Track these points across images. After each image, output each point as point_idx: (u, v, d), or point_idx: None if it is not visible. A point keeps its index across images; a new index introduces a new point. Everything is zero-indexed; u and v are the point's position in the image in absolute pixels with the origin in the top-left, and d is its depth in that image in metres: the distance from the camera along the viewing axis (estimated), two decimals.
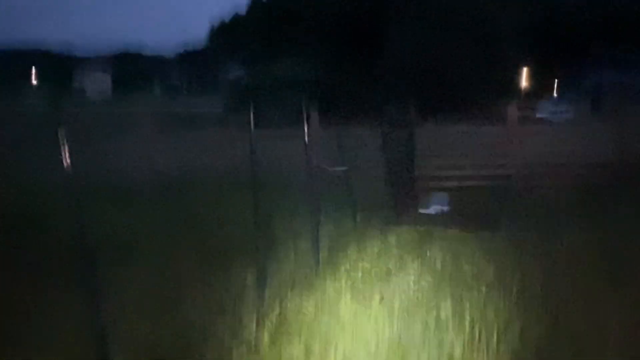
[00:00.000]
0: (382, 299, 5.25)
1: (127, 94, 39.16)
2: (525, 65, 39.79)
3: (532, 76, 41.01)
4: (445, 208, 9.99)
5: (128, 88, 43.33)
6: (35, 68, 45.21)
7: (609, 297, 5.19)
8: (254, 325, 4.65)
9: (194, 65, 53.55)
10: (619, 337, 4.40)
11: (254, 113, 6.15)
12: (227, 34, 44.07)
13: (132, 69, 52.18)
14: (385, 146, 10.85)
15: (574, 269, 6.05)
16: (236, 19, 45.01)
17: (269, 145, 12.54)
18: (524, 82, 39.74)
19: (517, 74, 40.10)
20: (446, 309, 5.06)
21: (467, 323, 4.77)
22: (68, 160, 3.34)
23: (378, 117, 11.63)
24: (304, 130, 11.89)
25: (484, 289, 5.59)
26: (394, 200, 9.94)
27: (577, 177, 10.51)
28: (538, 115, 32.39)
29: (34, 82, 44.51)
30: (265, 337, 4.46)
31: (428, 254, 6.89)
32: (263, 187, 6.02)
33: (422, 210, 9.90)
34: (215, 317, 4.73)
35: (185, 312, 4.82)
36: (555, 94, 41.36)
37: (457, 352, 4.31)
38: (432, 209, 9.98)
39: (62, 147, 3.33)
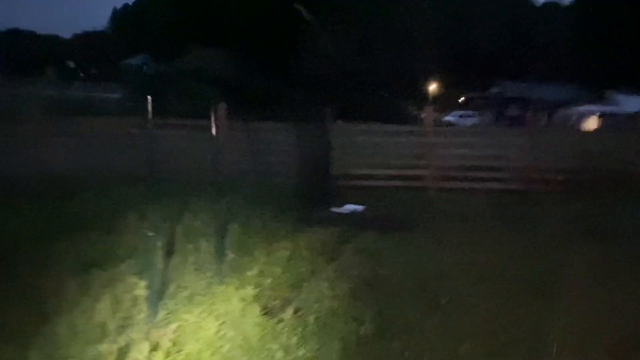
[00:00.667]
0: (295, 309, 4.65)
1: (16, 75, 36.09)
2: (437, 74, 41.08)
3: (443, 84, 42.35)
4: (360, 208, 9.56)
5: (18, 68, 39.96)
6: None
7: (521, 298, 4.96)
8: (147, 346, 3.90)
9: (94, 49, 50.59)
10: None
11: (156, 103, 5.33)
12: (132, 17, 42.03)
13: (23, 48, 48.20)
14: (299, 143, 10.33)
15: (491, 272, 5.78)
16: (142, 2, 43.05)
17: (171, 137, 11.72)
18: (435, 89, 40.86)
19: (429, 81, 41.31)
20: (366, 320, 4.55)
21: (388, 334, 4.30)
22: None
23: (292, 113, 11.11)
24: (210, 123, 11.24)
25: (404, 295, 5.15)
26: (306, 199, 9.39)
27: (489, 180, 10.47)
28: (445, 119, 33.45)
29: None
30: None
31: (344, 258, 6.38)
32: (162, 184, 5.31)
33: (335, 210, 9.42)
34: (98, 338, 3.95)
35: (59, 333, 3.99)
36: (463, 102, 42.88)
37: None
38: (346, 209, 9.53)
39: None
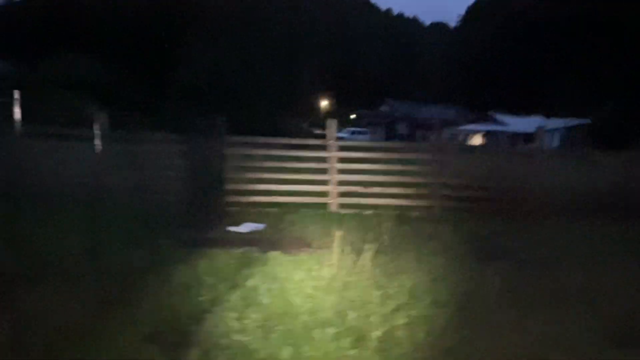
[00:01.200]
0: (199, 347, 3.96)
1: None
2: (326, 91, 41.63)
3: (333, 101, 42.92)
4: (260, 227, 8.96)
5: None
6: None
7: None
8: None
9: None
10: None
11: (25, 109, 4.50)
12: None
13: None
14: (191, 156, 9.59)
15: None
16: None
17: (44, 147, 10.48)
18: (325, 106, 41.26)
19: (319, 98, 41.70)
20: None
21: None
22: None
23: (177, 124, 10.31)
24: (86, 133, 10.17)
25: (317, 328, 4.60)
26: (201, 217, 8.66)
27: (392, 196, 10.27)
28: (337, 135, 33.75)
29: None
30: None
31: (248, 284, 5.74)
32: (27, 201, 4.39)
33: (233, 229, 8.75)
34: None
35: None
36: (353, 119, 43.66)
37: None
38: (245, 227, 8.89)
39: None
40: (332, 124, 10.14)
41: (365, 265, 5.93)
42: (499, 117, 40.69)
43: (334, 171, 10.09)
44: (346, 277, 5.66)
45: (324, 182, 10.22)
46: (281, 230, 8.68)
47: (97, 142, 9.92)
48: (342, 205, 10.11)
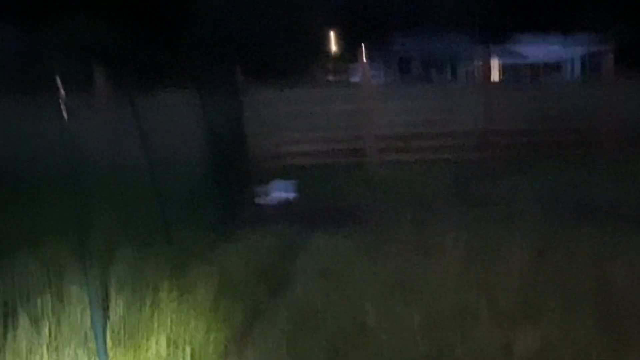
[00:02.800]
0: None
1: None
2: (337, 32, 39.40)
3: (342, 43, 40.71)
4: (291, 195, 7.64)
5: None
6: None
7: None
8: None
9: None
10: None
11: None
12: None
13: None
14: (205, 117, 8.17)
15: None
16: None
17: (33, 115, 9.06)
18: (337, 48, 39.21)
19: (330, 40, 39.54)
20: None
21: None
22: None
23: (191, 79, 8.85)
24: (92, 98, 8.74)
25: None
26: (223, 190, 7.33)
27: (437, 148, 8.86)
28: (352, 80, 31.96)
29: None
30: None
31: (282, 278, 4.45)
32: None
33: (261, 201, 7.45)
34: None
35: None
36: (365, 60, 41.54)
37: None
38: (273, 198, 7.57)
39: None
40: (365, 69, 8.64)
41: None
42: (515, 47, 38.43)
43: (370, 124, 8.66)
44: None
45: (360, 137, 8.81)
46: (315, 198, 7.35)
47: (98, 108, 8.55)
48: (384, 163, 8.72)
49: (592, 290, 3.95)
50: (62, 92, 3.37)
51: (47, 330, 3.25)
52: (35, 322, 3.35)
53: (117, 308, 3.57)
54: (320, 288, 4.22)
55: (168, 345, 3.21)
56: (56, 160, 4.60)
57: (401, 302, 3.88)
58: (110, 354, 3.07)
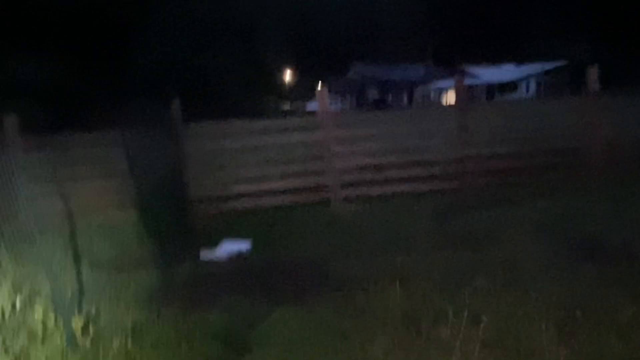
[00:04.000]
0: None
1: None
2: (289, 63, 38.66)
3: (296, 73, 39.97)
4: (244, 246, 6.35)
5: None
6: None
7: None
8: None
9: None
10: None
11: None
12: None
13: None
14: (137, 159, 6.89)
15: None
16: None
17: None
18: (290, 79, 38.44)
19: (282, 71, 38.74)
20: None
21: None
22: None
23: (122, 118, 7.54)
24: None
25: None
26: (160, 244, 6.00)
27: (410, 180, 7.75)
28: (308, 108, 31.11)
29: None
30: None
31: None
32: None
33: (207, 256, 6.14)
34: None
35: None
36: (320, 89, 40.76)
37: None
38: (223, 251, 6.27)
39: None
40: (323, 94, 7.49)
41: None
42: (470, 69, 38.31)
43: (331, 157, 7.48)
44: None
45: (318, 173, 7.62)
46: (275, 250, 6.08)
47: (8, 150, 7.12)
48: (347, 200, 7.53)
49: None
50: None
51: None
52: None
53: None
54: None
55: None
56: None
57: None
58: None
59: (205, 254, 6.16)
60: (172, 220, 6.32)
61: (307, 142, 7.81)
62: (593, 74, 7.85)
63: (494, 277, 4.50)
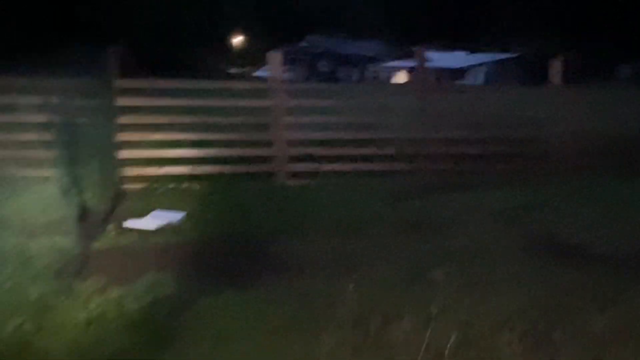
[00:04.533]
0: None
1: None
2: (241, 27, 37.50)
3: (248, 39, 38.82)
4: (177, 216, 5.76)
5: None
6: None
7: None
8: None
9: None
10: None
11: None
12: None
13: None
14: (55, 110, 6.12)
15: None
16: None
17: None
18: (240, 43, 37.36)
19: (234, 38, 37.56)
20: None
21: None
22: None
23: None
24: None
25: None
26: (78, 211, 5.33)
27: (360, 158, 7.32)
28: (256, 74, 30.26)
29: None
30: None
31: None
32: None
33: (133, 224, 5.51)
34: None
35: None
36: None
37: None
38: (154, 220, 5.66)
39: None
40: (275, 59, 6.89)
41: None
42: (428, 52, 38.08)
43: (281, 127, 6.93)
44: None
45: (266, 143, 7.07)
46: (211, 222, 5.53)
47: None
48: (294, 175, 7.02)
49: None
50: None
51: None
52: None
53: None
54: None
55: None
56: None
57: None
58: None
59: (131, 222, 5.55)
60: (98, 184, 5.65)
61: (255, 109, 7.24)
62: (556, 66, 7.58)
63: (449, 269, 4.11)
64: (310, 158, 7.12)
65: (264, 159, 7.03)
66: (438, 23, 40.39)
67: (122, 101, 6.60)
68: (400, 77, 36.56)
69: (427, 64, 8.06)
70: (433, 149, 7.08)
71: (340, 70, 37.70)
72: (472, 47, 37.42)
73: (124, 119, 6.63)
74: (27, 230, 4.76)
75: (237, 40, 37.15)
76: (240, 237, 5.02)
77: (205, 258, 4.55)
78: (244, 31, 37.25)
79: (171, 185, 6.65)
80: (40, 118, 5.86)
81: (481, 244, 4.79)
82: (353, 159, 7.17)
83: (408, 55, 40.55)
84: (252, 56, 36.65)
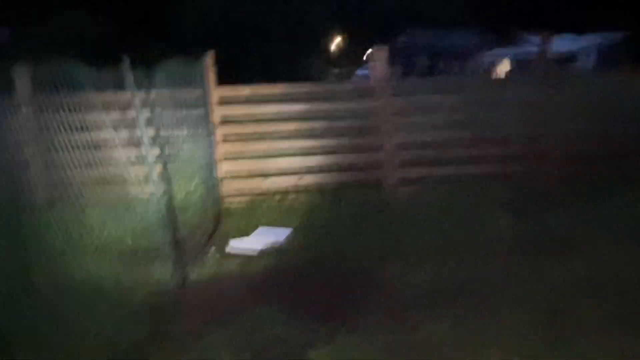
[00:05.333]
0: None
1: None
2: (337, 27, 36.99)
3: (346, 38, 38.26)
4: (282, 234, 5.21)
5: None
6: None
7: None
8: None
9: None
10: None
11: None
12: None
13: None
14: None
15: None
16: None
17: None
18: (339, 46, 36.85)
19: (331, 38, 37.12)
20: None
21: None
22: None
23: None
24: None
25: None
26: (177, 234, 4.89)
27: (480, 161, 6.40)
28: (358, 73, 29.58)
29: None
30: None
31: None
32: None
33: (237, 246, 5.02)
34: None
35: None
36: (369, 55, 38.93)
37: None
38: (258, 238, 5.15)
39: None
40: (381, 56, 6.16)
41: None
42: (527, 37, 35.73)
43: (389, 130, 6.19)
44: None
45: (371, 148, 6.35)
46: (318, 241, 4.91)
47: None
48: (404, 181, 6.25)
49: None
50: None
51: None
52: None
53: None
54: None
55: None
56: None
57: None
58: None
59: (235, 244, 5.05)
60: (199, 201, 5.20)
61: (358, 111, 6.54)
62: None
63: (598, 302, 3.24)
64: (421, 162, 6.32)
65: (371, 166, 6.33)
66: (536, 5, 37.85)
67: (221, 110, 6.14)
68: (504, 67, 34.54)
69: (550, 50, 6.94)
70: (559, 149, 6.05)
71: (440, 63, 36.20)
72: (579, 29, 34.60)
73: (223, 130, 6.17)
74: (125, 257, 4.37)
75: (333, 39, 36.68)
76: (350, 261, 4.37)
77: (313, 289, 3.93)
78: (338, 30, 36.72)
79: (276, 198, 6.12)
80: (136, 133, 5.50)
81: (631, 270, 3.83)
82: (467, 161, 6.28)
83: (509, 43, 38.36)
84: (349, 56, 36.08)
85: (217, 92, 6.12)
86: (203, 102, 6.03)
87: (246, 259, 4.59)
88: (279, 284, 3.99)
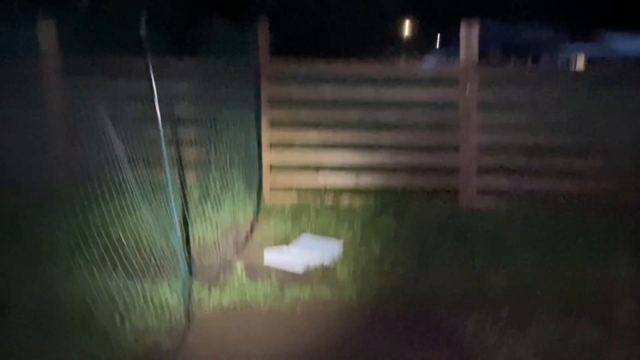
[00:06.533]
0: None
1: None
2: (410, 15, 35.29)
3: (416, 26, 36.47)
4: (334, 247, 4.03)
5: None
6: None
7: None
8: None
9: None
10: None
11: None
12: None
13: None
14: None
15: None
16: None
17: None
18: (409, 31, 35.15)
19: (403, 25, 35.45)
20: None
21: None
22: None
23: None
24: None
25: None
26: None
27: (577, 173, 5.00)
28: (424, 67, 27.95)
29: None
30: None
31: None
32: None
33: (271, 262, 3.88)
34: None
35: None
36: (439, 44, 36.92)
37: None
38: (299, 253, 3.98)
39: None
40: (471, 33, 4.82)
41: None
42: (607, 35, 32.95)
43: (471, 127, 4.87)
44: None
45: (448, 148, 5.05)
46: (376, 266, 3.70)
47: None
48: (484, 192, 4.93)
49: None
50: None
51: None
52: None
53: None
54: None
55: None
56: None
57: None
58: None
59: (270, 255, 3.91)
60: (238, 199, 4.10)
61: (436, 100, 5.26)
62: None
63: None
64: (508, 170, 4.98)
65: (446, 169, 5.04)
66: (617, 2, 34.82)
67: (271, 89, 4.97)
68: (578, 64, 32.00)
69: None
70: None
71: (513, 57, 33.92)
72: None
73: (272, 113, 5.02)
74: (134, 271, 3.28)
75: (402, 25, 34.96)
76: (418, 306, 3.14)
77: (366, 342, 2.73)
78: (408, 17, 34.95)
79: (327, 199, 4.93)
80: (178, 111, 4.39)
81: None
82: (569, 173, 4.91)
83: (588, 39, 35.49)
84: (420, 43, 34.35)
85: (269, 67, 4.95)
86: (255, 77, 4.89)
87: (280, 281, 3.43)
88: (318, 332, 2.82)
